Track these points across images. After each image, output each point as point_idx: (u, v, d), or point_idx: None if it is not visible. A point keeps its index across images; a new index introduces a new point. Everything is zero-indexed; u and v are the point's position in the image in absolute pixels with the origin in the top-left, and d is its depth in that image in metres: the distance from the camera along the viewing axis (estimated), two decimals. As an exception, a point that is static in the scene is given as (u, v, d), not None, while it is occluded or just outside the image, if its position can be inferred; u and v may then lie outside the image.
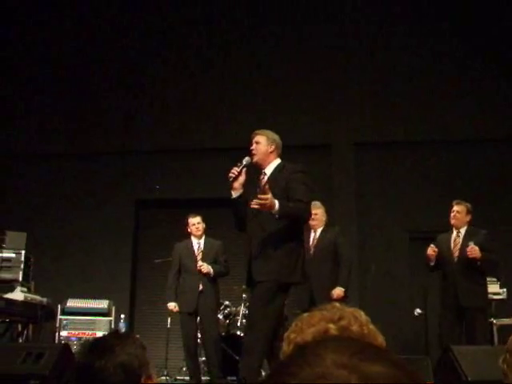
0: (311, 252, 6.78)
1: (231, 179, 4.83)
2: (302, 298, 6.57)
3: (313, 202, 7.03)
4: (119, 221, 9.87)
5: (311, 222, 6.89)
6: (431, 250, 6.43)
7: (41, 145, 10.26)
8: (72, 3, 10.66)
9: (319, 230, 6.96)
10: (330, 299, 6.24)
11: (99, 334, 7.56)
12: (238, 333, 7.35)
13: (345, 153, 9.51)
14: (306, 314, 1.45)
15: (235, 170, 4.83)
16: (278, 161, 5.04)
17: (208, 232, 7.27)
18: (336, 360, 0.70)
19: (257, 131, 5.10)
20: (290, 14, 10.16)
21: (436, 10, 9.73)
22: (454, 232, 6.60)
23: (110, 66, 10.43)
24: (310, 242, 6.88)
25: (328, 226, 7.08)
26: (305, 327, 1.34)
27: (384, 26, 9.82)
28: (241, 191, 4.88)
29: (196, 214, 7.25)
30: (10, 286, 7.10)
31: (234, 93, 9.94)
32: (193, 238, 7.27)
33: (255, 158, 4.97)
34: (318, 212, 6.93)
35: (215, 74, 10.12)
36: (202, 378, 7.16)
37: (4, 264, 7.35)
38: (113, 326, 8.09)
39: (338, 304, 1.47)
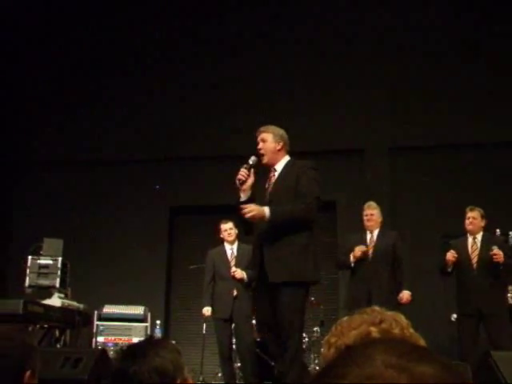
0: (369, 254, 6.66)
1: (240, 182, 4.64)
2: (359, 298, 6.41)
3: (368, 203, 6.97)
4: (154, 228, 9.95)
5: (367, 223, 6.84)
6: (451, 255, 6.40)
7: (77, 153, 10.41)
8: (97, 8, 10.78)
9: (376, 232, 6.81)
10: (389, 302, 5.96)
11: (135, 339, 7.62)
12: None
13: (378, 158, 9.45)
14: (345, 318, 1.45)
15: (244, 173, 4.63)
16: (287, 157, 4.88)
17: (241, 237, 7.25)
18: (385, 361, 0.71)
19: (261, 128, 4.88)
20: (320, 14, 10.14)
21: (471, 15, 9.64)
22: (470, 238, 6.63)
23: (137, 73, 10.52)
24: (368, 243, 6.75)
25: (384, 228, 6.96)
26: (345, 331, 1.34)
27: (417, 30, 9.75)
28: (249, 193, 4.68)
29: (228, 219, 7.19)
30: (47, 292, 7.20)
31: (264, 99, 9.95)
32: (226, 244, 7.28)
33: (265, 159, 4.79)
34: (374, 213, 6.85)
35: (244, 79, 10.14)
36: (238, 383, 7.17)
37: (42, 270, 7.44)
38: (148, 332, 8.13)
39: (377, 308, 1.47)
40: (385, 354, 0.73)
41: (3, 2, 10.04)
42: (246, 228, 4.94)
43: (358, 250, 6.57)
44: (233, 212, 4.90)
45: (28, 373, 2.23)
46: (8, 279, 9.61)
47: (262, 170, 4.91)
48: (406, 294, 6.52)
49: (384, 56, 9.75)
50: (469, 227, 6.61)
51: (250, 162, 4.68)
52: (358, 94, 9.70)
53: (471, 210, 6.63)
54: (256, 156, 4.77)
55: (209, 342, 7.97)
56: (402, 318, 1.42)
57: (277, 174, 4.83)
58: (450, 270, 6.51)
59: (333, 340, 1.36)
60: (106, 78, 10.56)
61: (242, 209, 4.57)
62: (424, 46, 9.67)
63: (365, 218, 6.87)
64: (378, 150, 9.49)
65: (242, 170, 4.65)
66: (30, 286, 7.38)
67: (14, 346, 2.21)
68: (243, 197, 4.70)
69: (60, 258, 7.55)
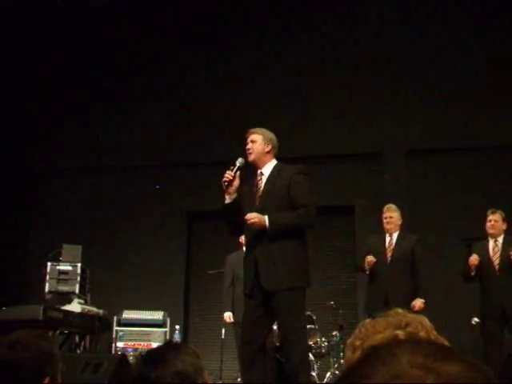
0: (388, 257, 6.59)
1: (225, 184, 4.64)
2: (376, 302, 6.36)
3: (388, 205, 6.89)
4: (172, 233, 9.96)
5: (386, 226, 6.74)
6: (474, 259, 6.36)
7: (94, 159, 10.47)
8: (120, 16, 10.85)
9: (395, 235, 6.71)
10: (407, 308, 6.05)
11: (154, 345, 7.62)
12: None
13: (396, 161, 9.40)
14: (367, 321, 1.44)
15: (229, 175, 4.64)
16: (274, 161, 4.89)
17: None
18: (411, 360, 0.70)
19: (251, 130, 4.93)
20: (337, 17, 10.12)
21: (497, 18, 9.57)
22: (491, 241, 6.59)
23: (158, 78, 10.57)
24: (386, 246, 6.66)
25: (403, 231, 6.89)
26: (371, 334, 1.33)
27: (434, 32, 9.70)
28: (235, 196, 4.69)
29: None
30: (67, 297, 7.24)
31: (284, 103, 9.94)
32: (244, 248, 7.28)
33: (251, 157, 4.80)
34: (393, 215, 6.75)
35: (264, 84, 10.15)
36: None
37: (61, 277, 7.49)
38: (168, 337, 8.14)
39: (400, 310, 1.46)
40: (411, 353, 0.72)
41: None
42: (232, 229, 4.98)
43: (369, 261, 6.46)
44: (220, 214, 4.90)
45: (46, 380, 2.23)
46: (28, 285, 9.67)
47: (248, 173, 4.94)
48: (418, 302, 6.36)
49: (400, 60, 9.71)
50: (490, 230, 6.57)
51: (237, 164, 4.69)
52: (375, 97, 9.66)
53: (493, 212, 6.59)
54: (243, 158, 4.79)
55: (228, 346, 7.96)
56: (426, 321, 1.41)
57: (264, 178, 4.82)
58: (473, 274, 6.46)
59: (358, 343, 1.34)
60: (124, 82, 10.62)
61: (226, 211, 4.68)
62: (441, 49, 9.61)
63: (384, 220, 6.77)
64: (396, 153, 9.44)
65: (227, 171, 4.67)
66: (49, 292, 7.42)
67: (30, 353, 2.21)
68: (228, 199, 4.72)
69: (79, 264, 7.60)
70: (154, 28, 10.68)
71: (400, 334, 1.30)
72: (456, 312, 8.51)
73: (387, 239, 6.73)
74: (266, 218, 4.48)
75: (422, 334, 1.32)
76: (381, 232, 6.88)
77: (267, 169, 4.84)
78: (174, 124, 10.32)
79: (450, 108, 9.39)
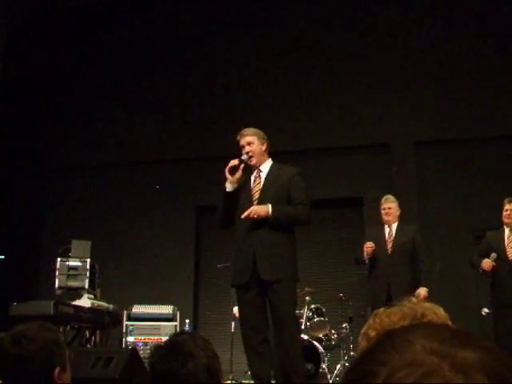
0: (388, 248, 6.57)
1: (230, 169, 4.72)
2: (378, 295, 6.34)
3: (386, 196, 6.88)
4: (181, 227, 9.97)
5: (385, 217, 6.72)
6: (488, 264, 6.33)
7: (103, 155, 10.48)
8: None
9: (394, 226, 6.71)
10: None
11: (165, 339, 7.60)
12: (302, 336, 7.30)
13: (405, 152, 9.36)
14: (381, 310, 1.42)
15: (236, 161, 4.74)
16: (270, 160, 5.00)
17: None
18: (426, 346, 0.67)
19: (244, 132, 4.95)
20: (345, 14, 10.08)
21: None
22: (507, 230, 6.55)
23: (167, 75, 10.57)
24: (386, 237, 6.64)
25: (402, 222, 6.86)
26: (386, 325, 1.31)
27: (441, 25, 9.65)
28: (236, 186, 4.77)
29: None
30: (77, 293, 7.25)
31: (293, 96, 9.91)
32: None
33: (253, 161, 4.87)
34: (391, 206, 6.73)
35: (273, 77, 10.13)
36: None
37: (71, 272, 7.49)
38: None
39: (413, 299, 1.44)
40: (425, 339, 0.68)
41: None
42: (226, 220, 4.94)
43: (368, 247, 6.45)
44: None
45: (57, 370, 2.22)
46: (39, 281, 9.70)
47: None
48: (422, 291, 6.26)
49: (407, 51, 9.67)
50: (507, 219, 6.53)
51: (243, 158, 4.80)
52: (382, 89, 9.63)
53: (509, 202, 6.54)
54: (247, 155, 4.87)
55: (237, 339, 7.95)
56: (441, 311, 1.40)
57: (263, 175, 4.92)
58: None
59: (372, 334, 1.33)
60: (127, 79, 10.63)
61: (226, 199, 4.80)
62: (447, 41, 9.56)
63: (382, 211, 6.76)
64: (404, 144, 9.40)
65: (234, 159, 4.77)
66: (59, 288, 7.43)
67: (37, 345, 2.20)
68: (230, 187, 4.79)
69: (88, 260, 7.60)
70: (154, 30, 10.71)
71: None
72: (466, 302, 8.48)
73: (386, 230, 6.73)
74: (269, 205, 4.59)
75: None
76: (380, 223, 6.87)
77: (265, 167, 4.95)
78: (183, 119, 10.32)
79: (459, 98, 9.34)
